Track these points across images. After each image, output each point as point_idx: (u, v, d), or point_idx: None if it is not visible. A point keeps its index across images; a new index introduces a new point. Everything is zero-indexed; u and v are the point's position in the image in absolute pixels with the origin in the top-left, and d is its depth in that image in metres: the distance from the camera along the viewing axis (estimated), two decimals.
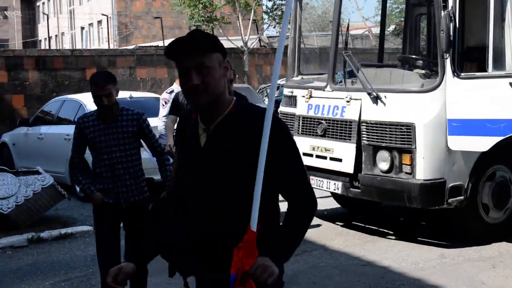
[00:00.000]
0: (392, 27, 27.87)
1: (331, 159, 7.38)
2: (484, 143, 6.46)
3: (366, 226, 8.06)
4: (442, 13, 6.39)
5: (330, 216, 8.65)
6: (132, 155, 5.01)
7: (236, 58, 21.44)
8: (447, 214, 7.07)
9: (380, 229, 7.87)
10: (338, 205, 8.92)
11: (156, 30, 30.85)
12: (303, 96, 7.81)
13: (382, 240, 7.48)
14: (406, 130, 6.65)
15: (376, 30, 33.27)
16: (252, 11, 20.86)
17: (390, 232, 7.76)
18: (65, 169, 10.58)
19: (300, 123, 7.78)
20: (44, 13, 46.67)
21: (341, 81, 7.56)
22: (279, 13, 20.89)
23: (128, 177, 5.00)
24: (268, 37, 28.41)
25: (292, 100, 8.11)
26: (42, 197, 8.43)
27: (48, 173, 9.15)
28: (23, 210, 8.24)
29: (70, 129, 10.71)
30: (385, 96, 6.86)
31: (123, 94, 11.87)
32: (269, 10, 22.31)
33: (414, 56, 8.40)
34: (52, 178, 8.71)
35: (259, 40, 23.27)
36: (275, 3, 21.54)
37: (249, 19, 21.06)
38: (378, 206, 8.66)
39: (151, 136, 5.14)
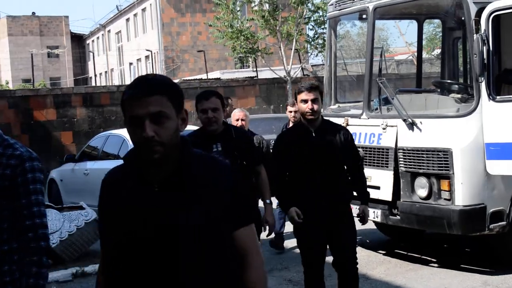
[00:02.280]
0: (436, 51, 27.63)
1: (370, 187, 7.27)
2: None
3: (409, 254, 7.94)
4: (475, 37, 6.33)
5: (372, 244, 8.55)
6: None
7: (279, 88, 21.52)
8: (490, 240, 6.92)
9: (423, 257, 7.73)
10: (380, 234, 8.80)
11: (202, 63, 31.24)
12: None
13: (424, 268, 7.35)
14: (443, 156, 6.56)
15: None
16: (294, 40, 20.95)
17: (433, 259, 7.62)
18: None
19: None
20: (90, 52, 47.75)
21: (376, 108, 7.52)
22: (321, 41, 20.96)
23: None
24: (312, 65, 28.48)
25: None
26: (86, 231, 8.57)
27: (93, 208, 9.31)
28: (68, 245, 8.39)
29: (114, 164, 10.91)
30: (420, 122, 6.80)
31: None
32: (310, 39, 22.39)
33: (448, 81, 8.32)
34: (95, 213, 8.85)
35: (302, 69, 23.34)
36: (316, 32, 21.65)
37: (291, 49, 21.16)
38: (422, 233, 8.52)
39: (25, 204, 2.78)
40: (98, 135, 13.32)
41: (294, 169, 5.19)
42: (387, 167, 7.07)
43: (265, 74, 23.67)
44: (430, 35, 34.62)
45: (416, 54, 28.02)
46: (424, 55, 32.12)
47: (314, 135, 5.15)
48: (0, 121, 17.30)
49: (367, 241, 8.74)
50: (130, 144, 10.77)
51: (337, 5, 8.15)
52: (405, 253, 7.99)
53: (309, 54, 23.92)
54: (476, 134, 6.48)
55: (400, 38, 63.39)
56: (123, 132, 11.68)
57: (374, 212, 7.33)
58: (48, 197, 13.13)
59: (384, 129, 7.14)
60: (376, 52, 8.67)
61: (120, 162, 2.46)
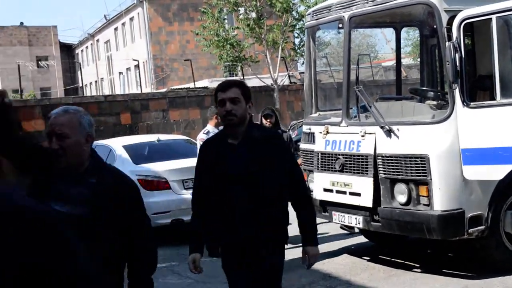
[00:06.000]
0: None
1: (351, 193, 7.39)
2: (498, 171, 6.41)
3: (393, 259, 8.01)
4: (447, 44, 6.42)
5: (356, 250, 8.62)
6: None
7: (267, 96, 21.62)
8: (471, 245, 7.00)
9: (406, 262, 7.81)
10: (365, 240, 8.88)
11: (191, 72, 31.30)
12: (321, 132, 7.87)
13: (407, 273, 7.41)
14: (421, 162, 6.64)
15: (407, 61, 33.08)
16: (280, 48, 21.09)
17: (416, 264, 7.69)
18: None
19: (319, 159, 7.83)
20: (77, 62, 47.74)
21: (355, 116, 7.61)
22: None
23: None
24: (300, 73, 28.57)
25: (310, 137, 8.18)
26: None
27: None
28: None
29: None
30: (397, 129, 6.88)
31: (151, 138, 12.19)
32: (296, 47, 22.52)
33: (424, 88, 8.41)
34: None
35: (289, 76, 23.47)
36: (302, 39, 21.80)
37: (277, 57, 21.27)
38: (405, 238, 8.60)
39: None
40: None
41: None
42: (367, 174, 7.15)
43: (253, 82, 23.78)
44: (415, 41, 34.75)
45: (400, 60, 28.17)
46: (410, 61, 32.22)
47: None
48: None
49: (352, 247, 8.81)
50: (117, 154, 10.81)
51: (314, 14, 8.24)
52: (389, 258, 8.06)
53: (296, 61, 24.06)
54: (452, 140, 6.56)
55: (386, 45, 63.58)
56: (110, 142, 11.73)
57: (355, 218, 7.41)
58: None
59: (363, 136, 7.22)
60: (361, 59, 8.74)
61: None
